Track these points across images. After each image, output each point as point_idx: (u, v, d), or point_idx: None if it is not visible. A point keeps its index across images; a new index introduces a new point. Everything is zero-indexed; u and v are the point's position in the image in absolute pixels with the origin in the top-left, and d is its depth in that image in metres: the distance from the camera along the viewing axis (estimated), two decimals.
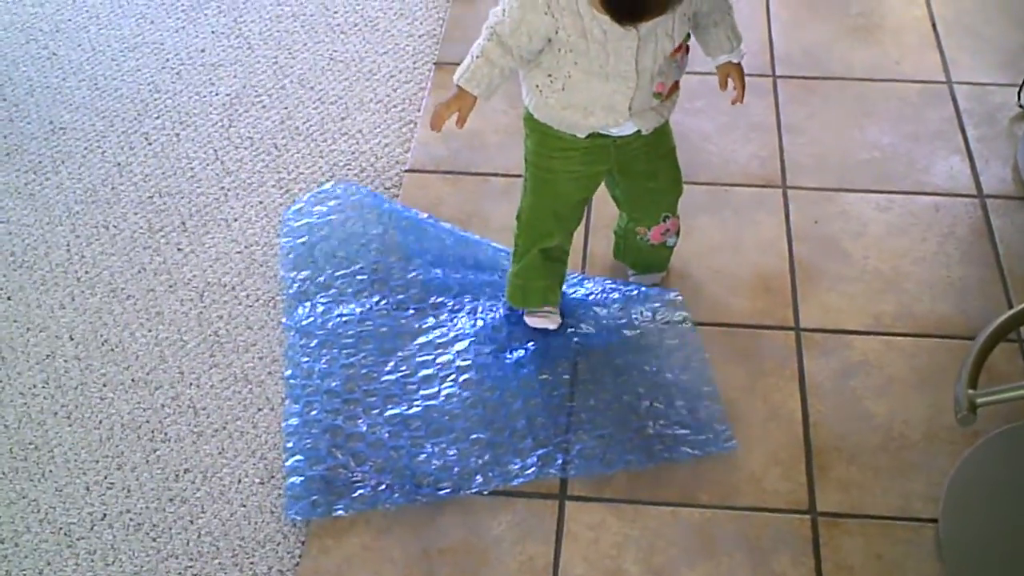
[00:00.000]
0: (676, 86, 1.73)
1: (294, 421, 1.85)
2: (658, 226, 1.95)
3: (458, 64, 1.69)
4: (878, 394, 1.90)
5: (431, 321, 2.01)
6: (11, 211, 2.24)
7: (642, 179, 1.88)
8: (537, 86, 1.70)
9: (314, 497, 1.75)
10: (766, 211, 2.22)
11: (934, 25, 2.68)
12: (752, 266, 2.11)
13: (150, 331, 2.01)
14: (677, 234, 2.00)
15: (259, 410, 1.88)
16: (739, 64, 1.79)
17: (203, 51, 2.64)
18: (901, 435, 1.84)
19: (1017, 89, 2.43)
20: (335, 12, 2.74)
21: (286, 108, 2.47)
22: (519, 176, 1.94)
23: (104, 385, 1.92)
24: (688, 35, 1.66)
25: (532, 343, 1.95)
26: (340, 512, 1.73)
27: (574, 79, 1.65)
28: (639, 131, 1.73)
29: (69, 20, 2.75)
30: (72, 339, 2.00)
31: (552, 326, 1.98)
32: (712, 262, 2.11)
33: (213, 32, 2.70)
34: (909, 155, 2.33)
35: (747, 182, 2.28)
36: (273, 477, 1.79)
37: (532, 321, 1.98)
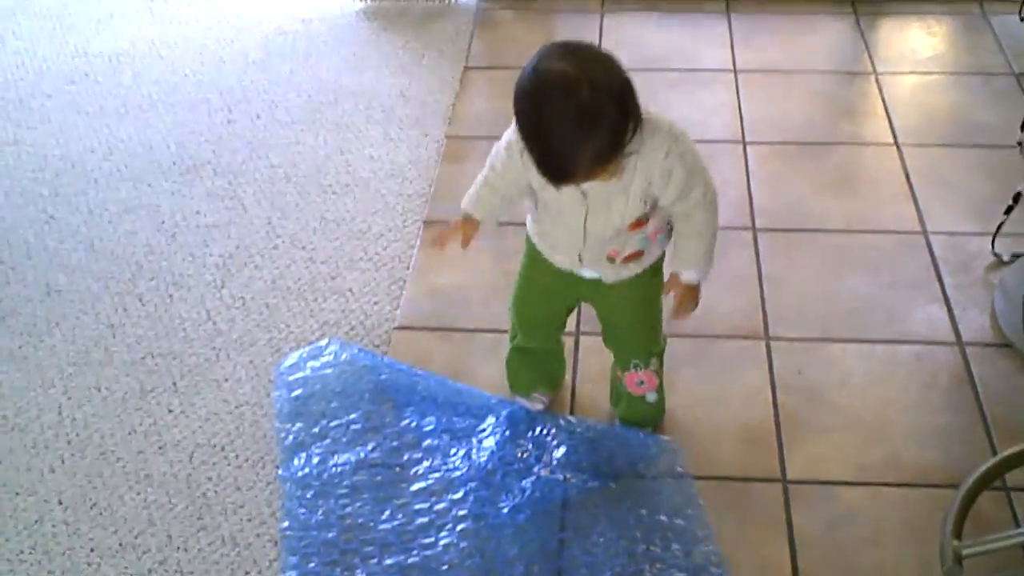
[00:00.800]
0: (638, 254, 1.78)
1: (292, 574, 1.84)
2: (630, 373, 1.99)
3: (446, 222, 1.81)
4: (866, 546, 1.89)
5: (425, 466, 2.02)
6: (4, 374, 2.27)
7: (612, 315, 1.96)
8: (528, 209, 1.85)
9: None
10: (750, 362, 2.25)
11: (908, 177, 2.76)
12: (737, 418, 2.13)
13: (139, 494, 2.01)
14: (657, 392, 2.03)
15: (247, 573, 1.87)
16: (692, 285, 1.82)
17: (198, 213, 2.71)
18: None
19: (991, 237, 2.49)
20: (327, 173, 2.83)
21: (278, 268, 2.53)
22: (505, 331, 1.99)
23: (92, 550, 1.92)
24: (646, 216, 1.71)
25: (528, 489, 1.96)
26: None
27: (543, 217, 1.79)
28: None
29: (68, 184, 2.83)
30: (61, 503, 2.00)
31: (531, 407, 2.12)
32: (698, 414, 2.14)
33: (208, 194, 2.78)
34: (888, 304, 2.38)
35: (730, 334, 2.32)
36: None
37: (518, 400, 2.13)
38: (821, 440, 2.08)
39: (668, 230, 1.78)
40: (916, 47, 3.35)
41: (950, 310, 2.36)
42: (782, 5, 3.54)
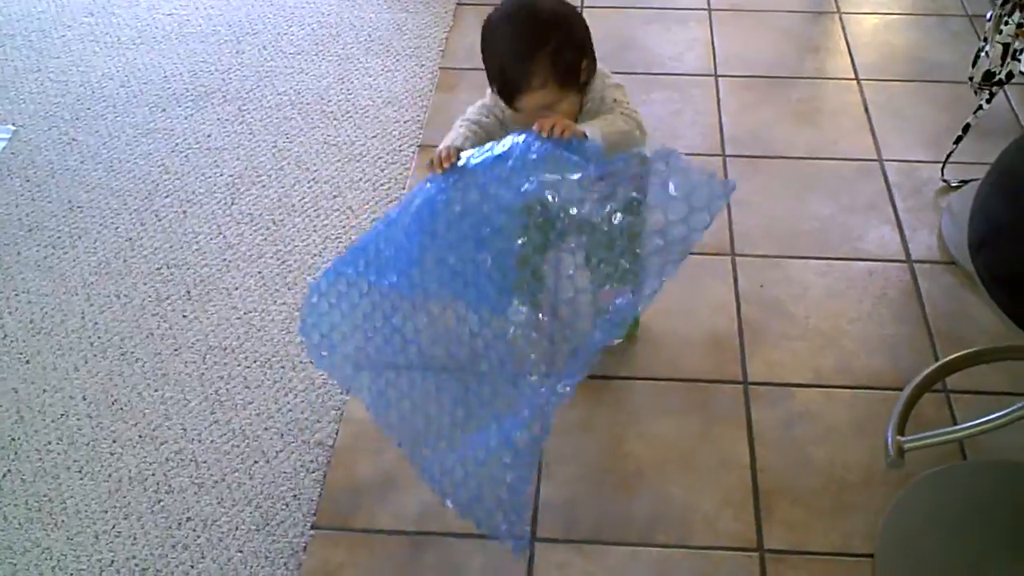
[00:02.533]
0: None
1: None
2: (606, 288, 1.96)
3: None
4: (819, 441, 1.92)
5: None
6: (31, 282, 2.26)
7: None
8: None
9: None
10: (717, 276, 2.25)
11: (867, 109, 2.74)
12: (705, 326, 2.14)
13: (156, 391, 2.02)
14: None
15: (255, 463, 1.89)
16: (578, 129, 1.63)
17: (209, 136, 2.68)
18: (840, 478, 1.86)
19: (941, 165, 2.48)
20: (329, 100, 2.80)
21: (283, 187, 2.51)
22: None
23: (113, 441, 1.93)
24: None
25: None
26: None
27: None
28: None
29: (88, 109, 2.79)
30: (85, 399, 2.01)
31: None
32: (669, 323, 2.14)
33: (219, 119, 2.74)
34: (845, 225, 2.37)
35: (700, 250, 2.30)
36: (268, 524, 1.79)
37: None
38: (780, 347, 2.09)
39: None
40: None
41: (901, 231, 2.36)
42: None
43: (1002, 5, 2.21)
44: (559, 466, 1.87)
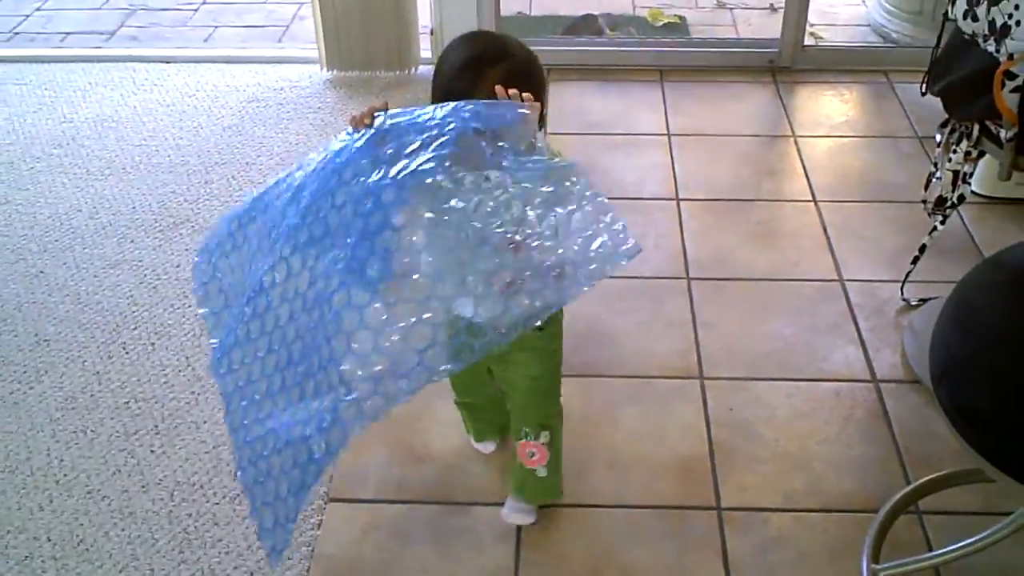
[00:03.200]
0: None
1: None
2: (522, 441, 1.85)
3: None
4: (794, 567, 1.91)
5: None
6: None
7: (507, 374, 1.83)
8: None
9: None
10: (686, 400, 2.27)
11: (825, 230, 2.82)
12: (675, 451, 2.15)
13: (123, 530, 1.99)
14: (548, 468, 1.88)
15: None
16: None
17: (178, 267, 2.70)
18: None
19: (900, 284, 2.55)
20: None
21: None
22: None
23: None
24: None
25: None
26: None
27: None
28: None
29: (56, 241, 2.81)
30: (50, 540, 1.97)
31: (482, 450, 2.12)
32: (638, 449, 2.15)
33: (187, 249, 2.76)
34: (810, 346, 2.41)
35: (667, 374, 2.34)
36: None
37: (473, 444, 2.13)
38: (751, 470, 2.10)
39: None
40: (830, 113, 3.43)
41: (865, 350, 2.40)
42: (709, 75, 3.62)
43: (950, 133, 2.30)
44: None
